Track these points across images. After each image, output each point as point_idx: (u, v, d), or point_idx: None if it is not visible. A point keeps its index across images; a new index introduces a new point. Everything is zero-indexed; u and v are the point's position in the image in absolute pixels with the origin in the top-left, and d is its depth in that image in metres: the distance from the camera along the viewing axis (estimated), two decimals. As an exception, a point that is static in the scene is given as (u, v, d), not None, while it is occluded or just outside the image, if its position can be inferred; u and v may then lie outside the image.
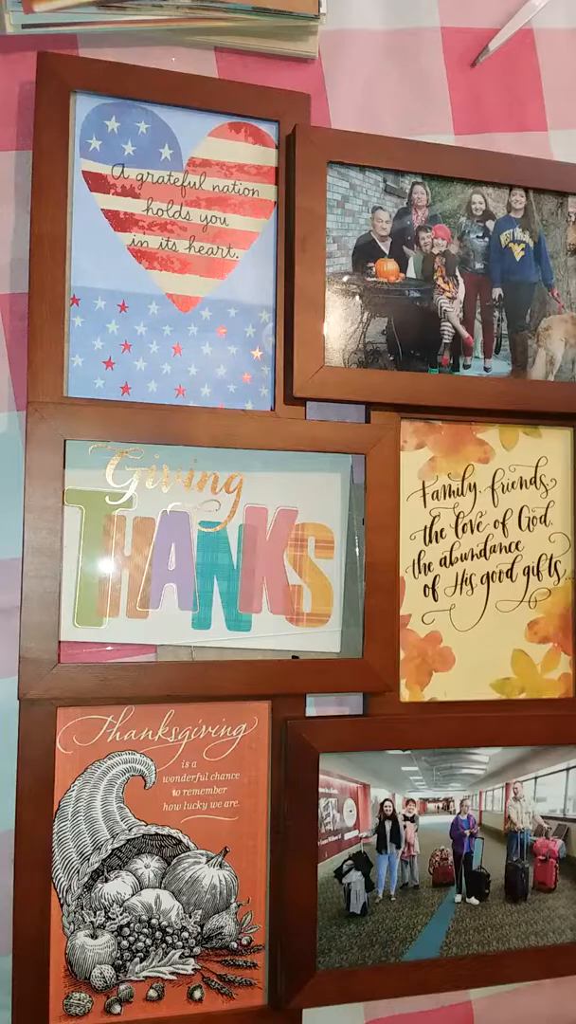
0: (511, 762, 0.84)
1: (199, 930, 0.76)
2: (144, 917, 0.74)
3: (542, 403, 0.84)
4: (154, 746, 0.75)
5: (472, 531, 0.85)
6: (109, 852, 0.74)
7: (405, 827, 0.81)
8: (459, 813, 0.82)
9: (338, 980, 0.77)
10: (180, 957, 0.75)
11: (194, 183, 0.78)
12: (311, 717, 0.80)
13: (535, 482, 0.87)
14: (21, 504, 0.71)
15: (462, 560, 0.84)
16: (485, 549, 0.85)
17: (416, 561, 0.83)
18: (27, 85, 0.76)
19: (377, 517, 0.78)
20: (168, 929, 0.75)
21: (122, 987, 0.74)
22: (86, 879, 0.73)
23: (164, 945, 0.75)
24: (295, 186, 0.77)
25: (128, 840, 0.74)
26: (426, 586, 0.83)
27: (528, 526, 0.86)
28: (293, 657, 0.78)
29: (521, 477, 0.86)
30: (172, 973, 0.75)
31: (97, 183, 0.76)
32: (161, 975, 0.75)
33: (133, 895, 0.74)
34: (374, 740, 0.79)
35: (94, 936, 0.73)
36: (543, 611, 0.86)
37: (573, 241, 0.86)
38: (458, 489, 0.85)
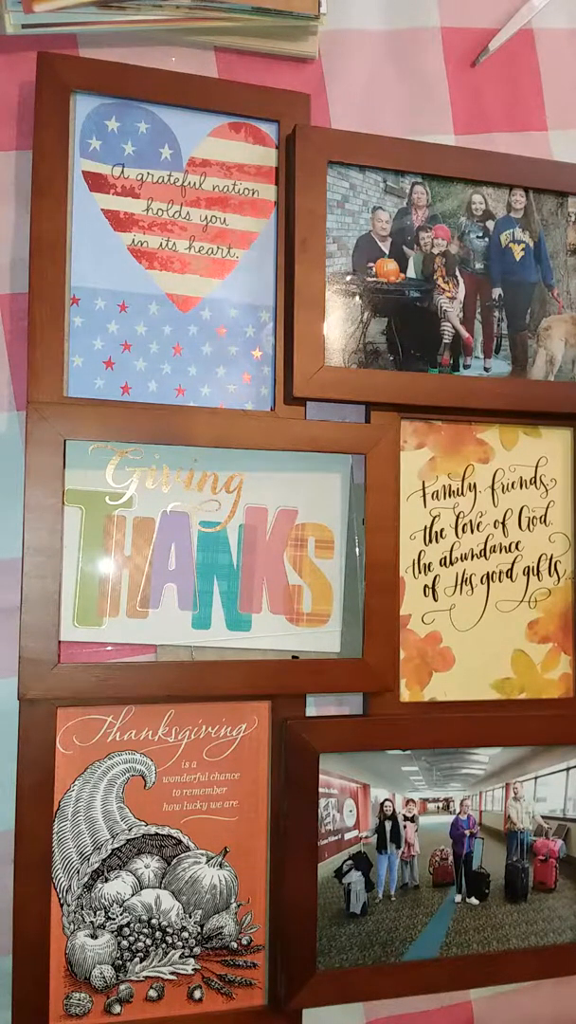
0: (511, 762, 0.84)
1: (199, 930, 0.76)
2: (144, 917, 0.74)
3: (542, 403, 0.84)
4: (154, 746, 0.75)
5: (472, 531, 0.85)
6: (109, 852, 0.74)
7: (405, 827, 0.81)
8: (459, 813, 0.82)
9: (338, 980, 0.77)
10: (180, 957, 0.75)
11: (194, 183, 0.78)
12: (311, 717, 0.80)
13: (535, 482, 0.87)
14: (21, 504, 0.71)
15: (462, 560, 0.84)
16: (485, 549, 0.85)
17: (416, 561, 0.83)
18: (27, 85, 0.76)
19: (377, 517, 0.78)
20: (168, 929, 0.75)
21: (122, 987, 0.74)
22: (86, 879, 0.73)
23: (164, 945, 0.75)
24: (295, 186, 0.77)
25: (128, 840, 0.74)
26: (426, 586, 0.83)
27: (528, 526, 0.86)
28: (293, 657, 0.78)
29: (521, 477, 0.86)
30: (172, 973, 0.75)
31: (97, 183, 0.76)
32: (161, 975, 0.75)
33: (133, 895, 0.74)
34: (374, 740, 0.79)
35: (94, 936, 0.73)
36: (543, 611, 0.86)
37: (573, 241, 0.86)
38: (458, 489, 0.85)
